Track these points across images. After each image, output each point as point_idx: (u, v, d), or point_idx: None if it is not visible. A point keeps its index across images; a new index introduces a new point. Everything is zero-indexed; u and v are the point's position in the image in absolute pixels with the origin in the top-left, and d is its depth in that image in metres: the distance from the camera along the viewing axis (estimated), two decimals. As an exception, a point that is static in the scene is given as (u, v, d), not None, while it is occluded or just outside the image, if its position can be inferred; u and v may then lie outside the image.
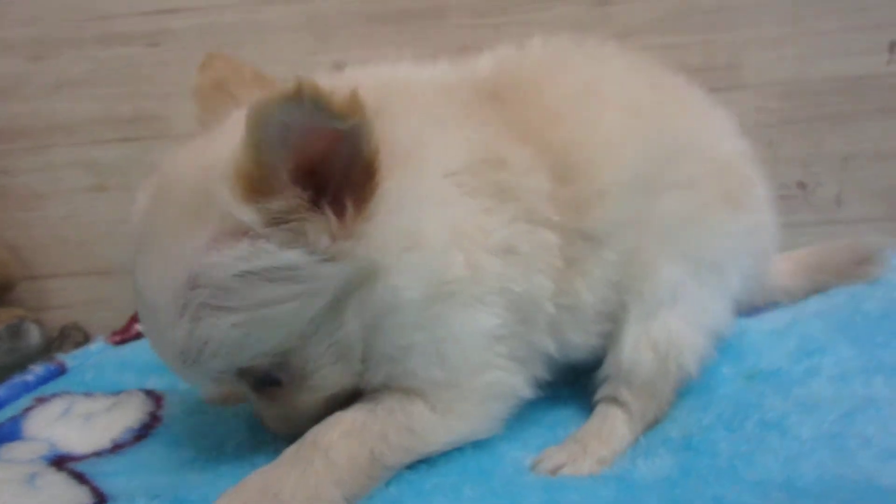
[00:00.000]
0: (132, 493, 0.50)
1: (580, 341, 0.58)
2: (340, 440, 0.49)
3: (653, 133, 0.58)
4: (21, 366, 0.77)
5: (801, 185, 1.03)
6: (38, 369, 0.74)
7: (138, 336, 0.85)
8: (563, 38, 0.63)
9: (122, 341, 0.85)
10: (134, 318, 0.92)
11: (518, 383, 0.55)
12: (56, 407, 0.65)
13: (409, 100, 0.53)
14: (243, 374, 0.49)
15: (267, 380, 0.50)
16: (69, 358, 0.79)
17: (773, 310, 0.76)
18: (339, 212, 0.45)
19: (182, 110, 1.02)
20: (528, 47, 0.63)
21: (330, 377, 0.50)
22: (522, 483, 0.51)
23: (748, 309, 0.72)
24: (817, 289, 0.78)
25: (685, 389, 0.62)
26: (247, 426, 0.59)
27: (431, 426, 0.52)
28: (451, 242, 0.50)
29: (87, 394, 0.69)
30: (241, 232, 0.44)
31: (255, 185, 0.43)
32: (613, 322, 0.59)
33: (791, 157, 1.02)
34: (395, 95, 0.52)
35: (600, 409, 0.60)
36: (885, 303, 0.71)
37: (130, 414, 0.64)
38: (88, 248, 1.08)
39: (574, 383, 0.63)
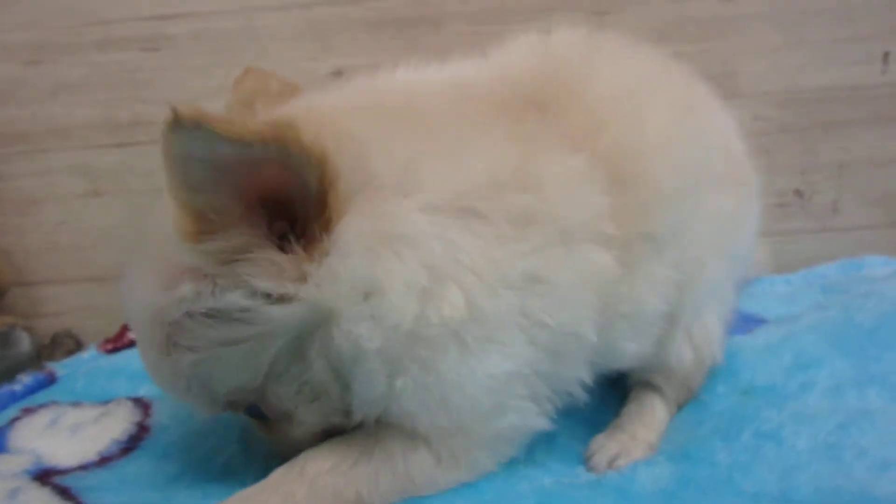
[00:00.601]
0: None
1: (635, 350, 0.55)
2: (328, 475, 0.46)
3: (695, 132, 0.57)
4: (11, 374, 0.76)
5: (798, 193, 1.03)
6: (26, 378, 0.73)
7: (131, 344, 0.84)
8: (581, 32, 0.60)
9: (114, 350, 0.84)
10: (127, 326, 0.91)
11: (536, 423, 0.50)
12: (43, 418, 0.64)
13: (407, 119, 0.48)
14: (230, 404, 0.49)
15: (254, 412, 0.50)
16: (59, 367, 0.78)
17: (766, 326, 0.76)
18: (293, 250, 0.42)
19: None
20: (553, 43, 0.59)
21: (310, 416, 0.48)
22: (516, 494, 0.50)
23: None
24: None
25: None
26: (236, 437, 0.58)
27: (432, 477, 0.48)
28: (432, 283, 0.44)
29: (75, 404, 0.67)
30: (188, 272, 0.43)
31: (194, 224, 0.41)
32: (671, 323, 0.56)
33: (787, 165, 1.02)
34: (391, 114, 0.48)
35: (636, 394, 0.61)
36: (877, 314, 0.70)
37: (118, 425, 0.63)
38: (82, 255, 1.06)
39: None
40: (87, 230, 1.06)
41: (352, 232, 0.43)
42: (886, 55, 0.99)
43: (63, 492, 0.53)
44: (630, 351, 0.55)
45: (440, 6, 1.00)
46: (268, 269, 0.42)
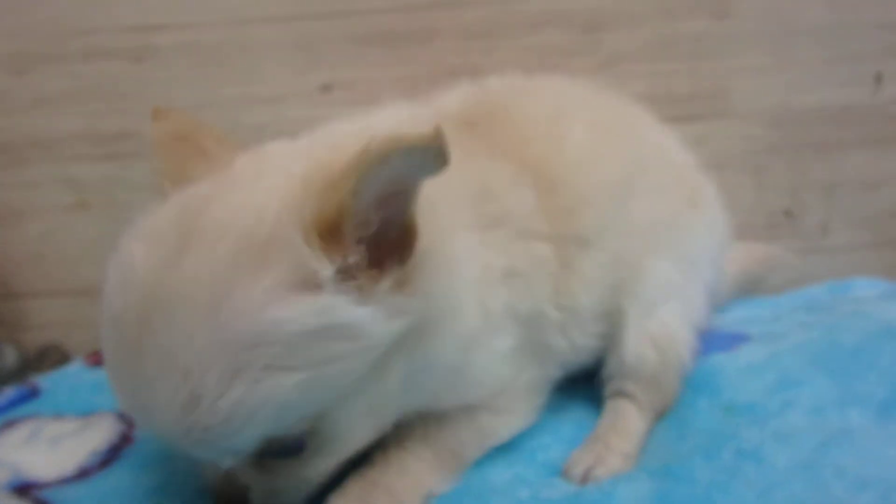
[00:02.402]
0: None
1: (583, 343, 0.63)
2: (420, 443, 0.55)
3: (619, 146, 0.66)
4: (-6, 387, 0.78)
5: (788, 213, 1.06)
6: (8, 391, 0.75)
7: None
8: (516, 75, 0.71)
9: (100, 362, 0.86)
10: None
11: (550, 371, 0.62)
12: (23, 431, 0.66)
13: None
14: (268, 444, 0.45)
15: (290, 448, 0.47)
16: (43, 380, 0.80)
17: (749, 343, 0.78)
18: (387, 270, 0.45)
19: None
20: (487, 83, 0.69)
21: (357, 437, 0.50)
22: None
23: (714, 308, 0.77)
24: (750, 280, 0.90)
25: (663, 422, 0.66)
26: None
27: (495, 426, 0.59)
28: (475, 301, 0.52)
29: (57, 417, 0.69)
30: (314, 284, 0.42)
31: (338, 236, 0.42)
32: (610, 323, 0.65)
33: (777, 185, 1.05)
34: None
35: (611, 405, 0.66)
36: (862, 334, 0.73)
37: (98, 437, 0.65)
38: (68, 267, 1.08)
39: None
40: (73, 243, 1.08)
41: (429, 255, 0.47)
42: (879, 76, 1.02)
43: (42, 504, 0.55)
44: (580, 343, 0.63)
45: (431, 20, 1.03)
46: (384, 286, 0.44)
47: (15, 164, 1.08)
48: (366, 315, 0.43)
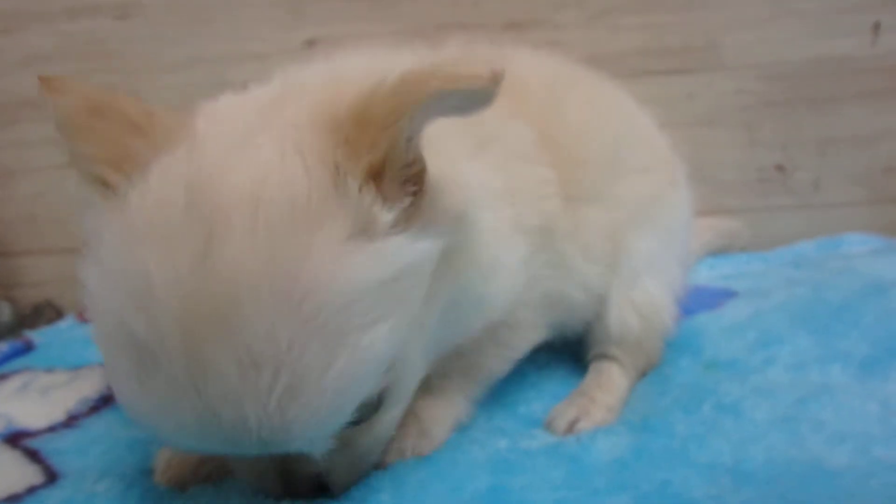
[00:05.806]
0: (84, 470, 0.51)
1: (591, 275, 0.61)
2: (457, 361, 0.54)
3: (614, 121, 0.66)
4: (-9, 342, 0.79)
5: (780, 169, 1.03)
6: (3, 346, 0.76)
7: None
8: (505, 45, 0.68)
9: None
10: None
11: (567, 288, 0.59)
12: (15, 383, 0.67)
13: None
14: (359, 410, 0.41)
15: (371, 407, 0.43)
16: (37, 335, 0.81)
17: (735, 300, 0.77)
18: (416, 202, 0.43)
19: (151, 86, 1.02)
20: (476, 48, 0.64)
21: (415, 379, 0.47)
22: (469, 464, 0.51)
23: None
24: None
25: (645, 379, 0.66)
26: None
27: (512, 339, 0.58)
28: (486, 222, 0.49)
29: (49, 370, 0.70)
30: (373, 231, 0.39)
31: (386, 178, 0.39)
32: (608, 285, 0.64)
33: (770, 140, 1.02)
34: None
35: (595, 366, 0.66)
36: (847, 292, 0.71)
37: (88, 386, 0.65)
38: (61, 226, 1.07)
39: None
40: (65, 202, 1.04)
41: (440, 182, 0.44)
42: (877, 26, 0.97)
43: (32, 455, 0.55)
44: (585, 274, 0.60)
45: (418, -26, 0.99)
46: (415, 220, 0.41)
47: (6, 123, 1.06)
48: (423, 248, 0.41)
